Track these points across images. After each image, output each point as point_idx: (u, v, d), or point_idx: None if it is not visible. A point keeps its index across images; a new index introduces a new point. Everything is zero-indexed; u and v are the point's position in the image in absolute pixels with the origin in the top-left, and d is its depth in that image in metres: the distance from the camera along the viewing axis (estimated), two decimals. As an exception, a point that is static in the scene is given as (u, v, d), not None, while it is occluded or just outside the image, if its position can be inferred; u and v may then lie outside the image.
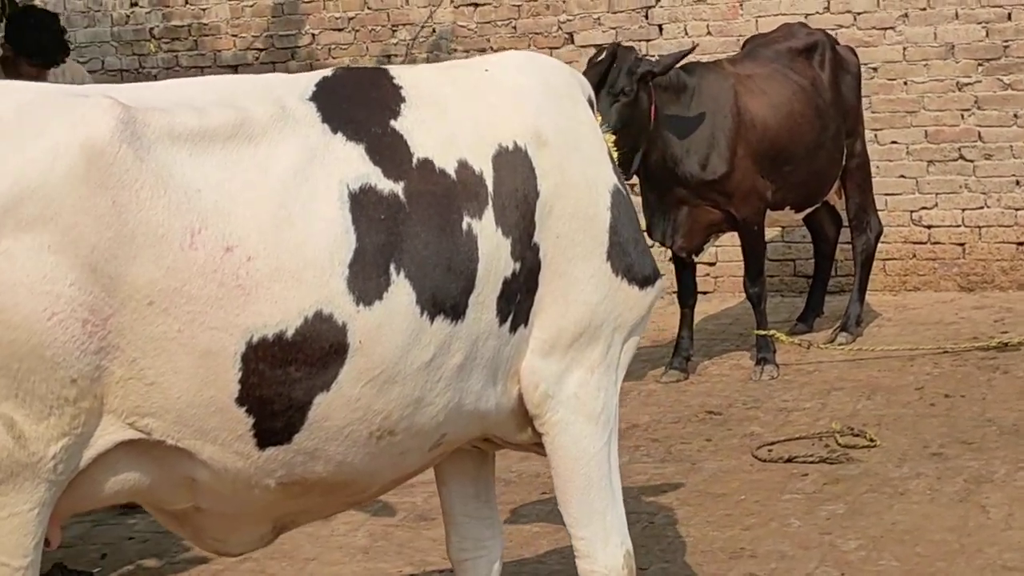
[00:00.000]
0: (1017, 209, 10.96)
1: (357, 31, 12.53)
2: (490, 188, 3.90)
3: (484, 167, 3.91)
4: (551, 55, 11.55)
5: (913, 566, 5.68)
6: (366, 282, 3.63)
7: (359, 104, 3.86)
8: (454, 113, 3.96)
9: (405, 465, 3.95)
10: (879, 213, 10.18)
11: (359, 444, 3.74)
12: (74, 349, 3.38)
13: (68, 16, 13.09)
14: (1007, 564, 5.63)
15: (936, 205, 11.09)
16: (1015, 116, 10.88)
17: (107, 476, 3.58)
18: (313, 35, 12.64)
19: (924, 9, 11.02)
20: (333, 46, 12.59)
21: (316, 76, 3.94)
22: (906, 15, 11.06)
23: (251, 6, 12.76)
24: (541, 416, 4.09)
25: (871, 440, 7.24)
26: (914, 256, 11.15)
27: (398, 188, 3.75)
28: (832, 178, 9.63)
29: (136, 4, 13.01)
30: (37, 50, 7.46)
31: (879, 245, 10.16)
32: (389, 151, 3.79)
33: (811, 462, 7.04)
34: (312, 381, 3.61)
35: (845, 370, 8.94)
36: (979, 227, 11.03)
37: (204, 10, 12.89)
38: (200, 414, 3.54)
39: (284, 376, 3.57)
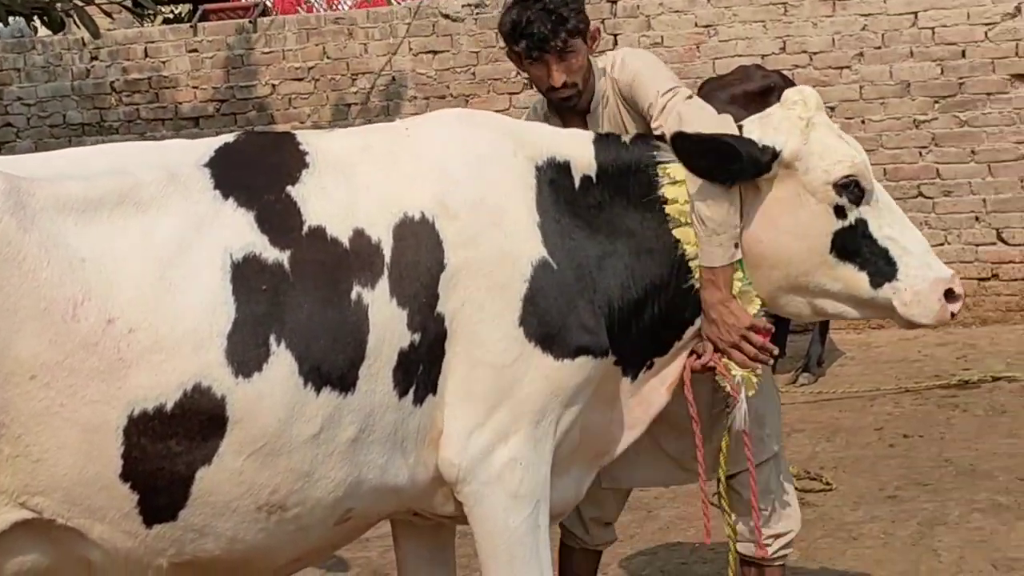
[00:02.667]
0: (977, 245, 10.99)
1: (317, 80, 12.54)
2: (387, 258, 3.77)
3: (383, 236, 3.79)
4: (510, 101, 11.70)
5: (863, 613, 5.66)
6: (245, 353, 3.56)
7: (257, 170, 3.79)
8: (360, 180, 3.85)
9: (309, 541, 3.82)
10: (840, 252, 10.18)
11: (249, 520, 3.65)
12: None
13: (28, 71, 13.10)
14: (956, 609, 5.62)
15: (897, 242, 11.08)
16: (972, 152, 10.94)
17: (7, 557, 3.51)
18: (273, 85, 12.65)
19: (879, 48, 11.09)
20: (293, 96, 12.59)
21: (217, 142, 3.88)
22: (862, 54, 11.12)
23: (210, 58, 12.75)
24: (459, 490, 3.94)
25: (827, 484, 7.22)
26: (876, 294, 11.15)
27: (283, 257, 3.66)
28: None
29: (96, 58, 13.00)
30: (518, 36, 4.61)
31: (841, 283, 10.15)
32: (279, 219, 3.70)
33: (767, 507, 6.99)
34: (193, 455, 3.54)
35: (806, 411, 8.92)
36: (941, 263, 11.02)
37: (164, 63, 12.88)
38: (87, 492, 3.48)
39: (165, 450, 3.51)
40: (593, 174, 4.15)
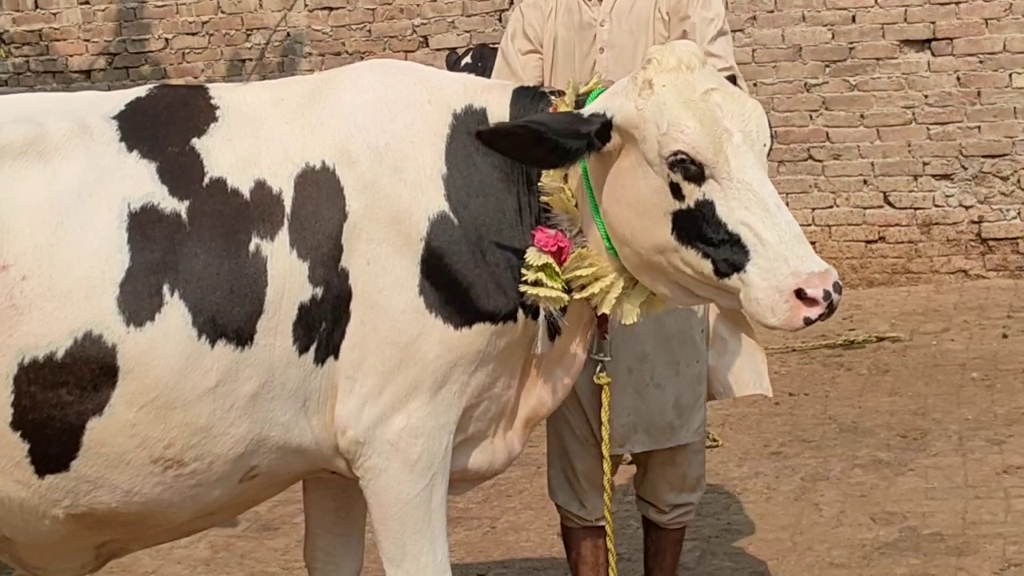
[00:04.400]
0: (865, 208, 11.16)
1: (211, 35, 12.43)
2: (287, 209, 3.73)
3: (284, 187, 3.74)
4: (406, 58, 11.67)
5: (744, 565, 5.78)
6: (137, 302, 3.56)
7: (165, 123, 3.78)
8: (266, 132, 3.81)
9: (212, 497, 3.79)
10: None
11: (144, 473, 3.64)
12: None
13: (-86, 21, 12.86)
14: (835, 561, 5.76)
15: (787, 204, 11.19)
16: (862, 116, 11.09)
17: None
18: (166, 39, 12.52)
19: (772, 11, 11.20)
20: (186, 50, 12.47)
21: (129, 94, 3.87)
22: (754, 18, 11.23)
23: (103, 10, 12.59)
24: (354, 461, 3.88)
25: (714, 440, 7.32)
26: (766, 255, 11.30)
27: (182, 207, 3.65)
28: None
29: (-16, 9, 12.80)
30: None
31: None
32: (181, 170, 3.69)
33: (654, 463, 7.10)
34: (84, 404, 3.55)
35: (695, 370, 9.03)
36: (829, 226, 11.23)
37: (55, 15, 12.70)
38: None
39: (56, 399, 3.53)
40: None
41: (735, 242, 3.62)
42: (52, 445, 3.56)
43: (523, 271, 3.88)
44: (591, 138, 3.73)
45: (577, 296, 3.92)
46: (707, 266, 3.67)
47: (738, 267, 3.62)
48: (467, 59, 8.76)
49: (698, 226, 3.66)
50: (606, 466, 4.36)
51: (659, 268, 3.81)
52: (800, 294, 3.55)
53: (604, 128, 3.74)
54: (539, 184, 3.92)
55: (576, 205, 3.92)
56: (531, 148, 3.71)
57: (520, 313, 3.95)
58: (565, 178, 3.93)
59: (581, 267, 3.90)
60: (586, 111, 3.80)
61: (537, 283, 3.86)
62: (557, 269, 3.87)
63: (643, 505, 5.07)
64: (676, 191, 3.67)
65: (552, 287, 3.86)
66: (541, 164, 3.81)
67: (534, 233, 3.89)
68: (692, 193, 3.65)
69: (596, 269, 3.91)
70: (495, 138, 3.74)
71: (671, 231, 3.70)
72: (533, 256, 3.87)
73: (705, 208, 3.64)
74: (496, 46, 9.20)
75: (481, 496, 6.83)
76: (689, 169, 3.63)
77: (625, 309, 3.94)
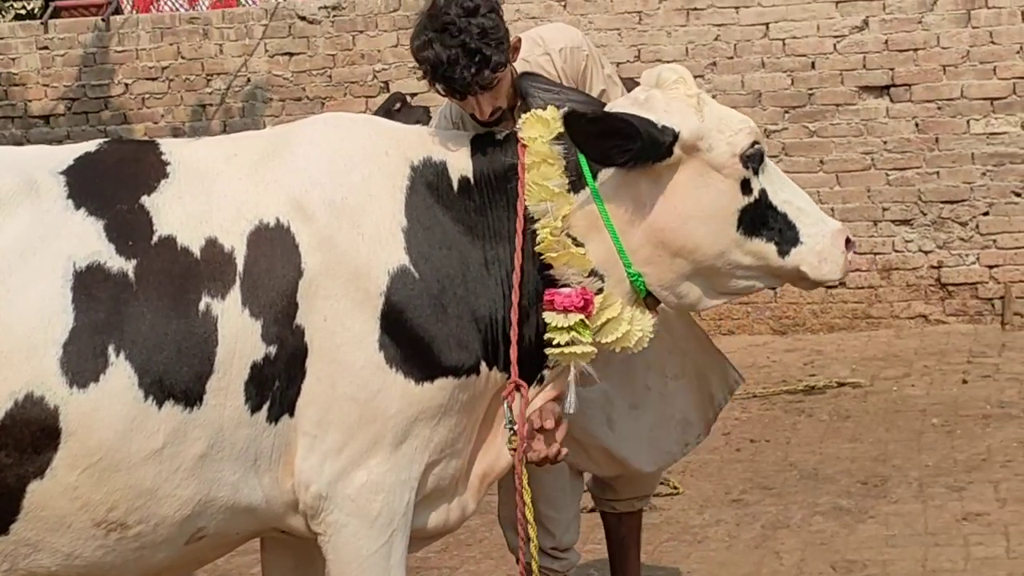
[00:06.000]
0: (825, 253, 11.18)
1: (171, 80, 12.41)
2: (240, 267, 3.67)
3: (236, 245, 3.69)
4: (366, 104, 11.68)
5: (704, 615, 5.75)
6: (81, 363, 3.49)
7: (113, 179, 3.72)
8: (219, 189, 3.76)
9: (157, 559, 3.72)
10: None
11: (86, 536, 3.58)
12: None
13: None
14: (795, 611, 5.73)
15: (748, 250, 11.26)
16: (821, 162, 11.15)
17: None
18: (126, 85, 12.48)
19: (731, 58, 11.26)
20: (147, 95, 12.43)
21: (78, 149, 3.82)
22: (714, 63, 11.29)
23: (62, 55, 12.55)
24: (315, 516, 3.82)
25: (675, 488, 7.30)
26: (727, 300, 11.33)
27: (128, 266, 3.59)
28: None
29: (-57, 53, 12.74)
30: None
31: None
32: (129, 228, 3.64)
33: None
34: (25, 467, 3.49)
35: (656, 416, 9.00)
36: (789, 271, 11.23)
37: (13, 59, 12.64)
38: None
39: None
40: (471, 176, 3.98)
41: (784, 219, 4.03)
42: None
43: (549, 336, 3.93)
44: (663, 149, 3.89)
45: (604, 342, 3.99)
46: (771, 250, 4.03)
47: (793, 241, 4.03)
48: (398, 106, 8.76)
49: (762, 214, 4.01)
50: (533, 549, 4.09)
51: (710, 272, 4.04)
52: (847, 242, 4.06)
53: (672, 142, 3.90)
54: (538, 247, 3.91)
55: (584, 253, 3.95)
56: (607, 140, 3.85)
57: (483, 367, 3.92)
58: (567, 234, 3.93)
59: (607, 308, 3.98)
60: (657, 121, 3.90)
61: (572, 343, 3.92)
62: (587, 323, 3.95)
63: (600, 502, 5.19)
64: (746, 186, 3.98)
65: (588, 342, 3.95)
66: (605, 159, 3.90)
67: (551, 298, 3.93)
68: (756, 185, 4.00)
69: (621, 306, 4.00)
70: (582, 122, 3.86)
71: (737, 228, 3.99)
72: (558, 319, 3.92)
73: (764, 196, 4.02)
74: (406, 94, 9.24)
75: (440, 545, 6.76)
76: (757, 160, 3.98)
77: (645, 336, 4.05)
